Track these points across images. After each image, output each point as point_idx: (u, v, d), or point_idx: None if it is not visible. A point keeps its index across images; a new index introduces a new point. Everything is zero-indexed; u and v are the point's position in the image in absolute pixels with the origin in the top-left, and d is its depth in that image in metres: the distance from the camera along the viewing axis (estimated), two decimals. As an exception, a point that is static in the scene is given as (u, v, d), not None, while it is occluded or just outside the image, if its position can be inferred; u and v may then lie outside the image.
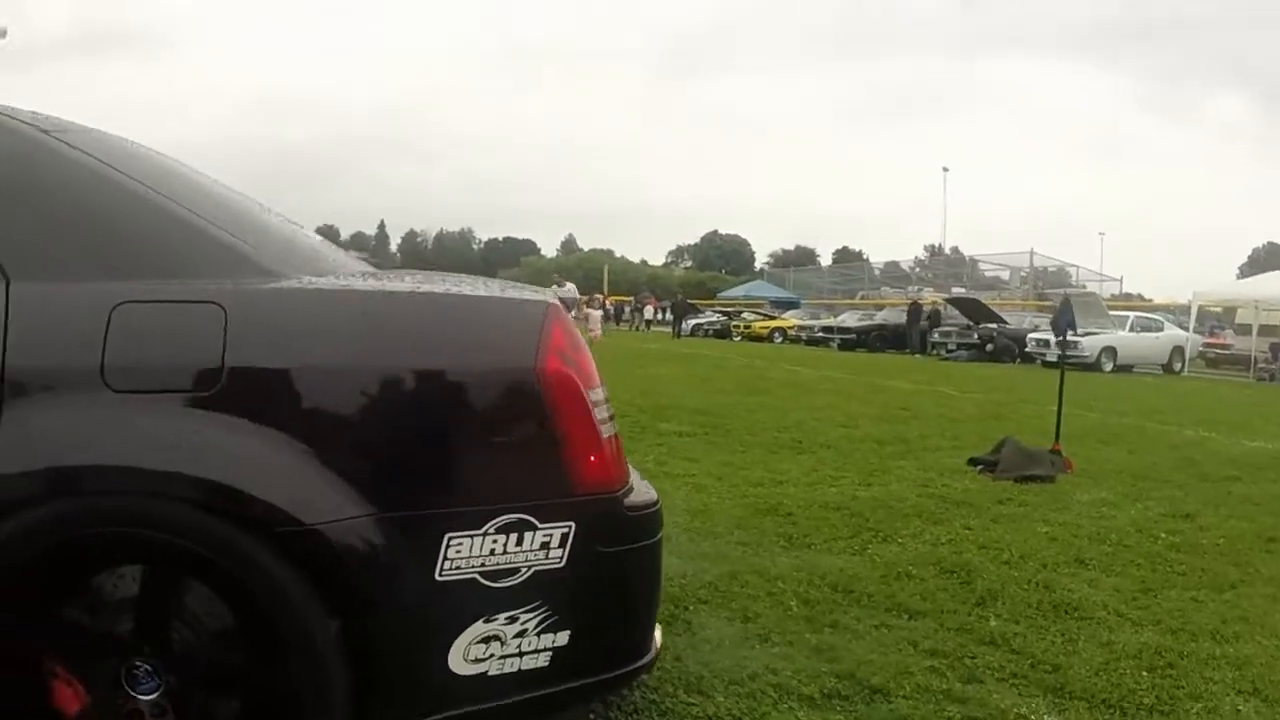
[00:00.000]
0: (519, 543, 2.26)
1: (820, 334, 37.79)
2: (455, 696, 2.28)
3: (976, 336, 31.14)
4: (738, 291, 71.96)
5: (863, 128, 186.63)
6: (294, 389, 2.21)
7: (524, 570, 2.27)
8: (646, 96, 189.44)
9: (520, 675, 2.31)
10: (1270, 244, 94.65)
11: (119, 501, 2.13)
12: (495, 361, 2.36)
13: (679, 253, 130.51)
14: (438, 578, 2.20)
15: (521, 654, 2.30)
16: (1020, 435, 8.82)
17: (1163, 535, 5.91)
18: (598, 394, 2.43)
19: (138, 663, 2.18)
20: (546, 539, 2.29)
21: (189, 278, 2.27)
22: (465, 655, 2.25)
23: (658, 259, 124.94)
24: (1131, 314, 30.86)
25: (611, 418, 2.49)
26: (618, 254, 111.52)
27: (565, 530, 2.31)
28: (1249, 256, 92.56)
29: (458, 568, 2.21)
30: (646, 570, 2.57)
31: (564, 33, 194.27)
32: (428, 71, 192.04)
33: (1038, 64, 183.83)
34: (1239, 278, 52.95)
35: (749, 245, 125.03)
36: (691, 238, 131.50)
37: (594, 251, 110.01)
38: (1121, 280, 54.29)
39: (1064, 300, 11.08)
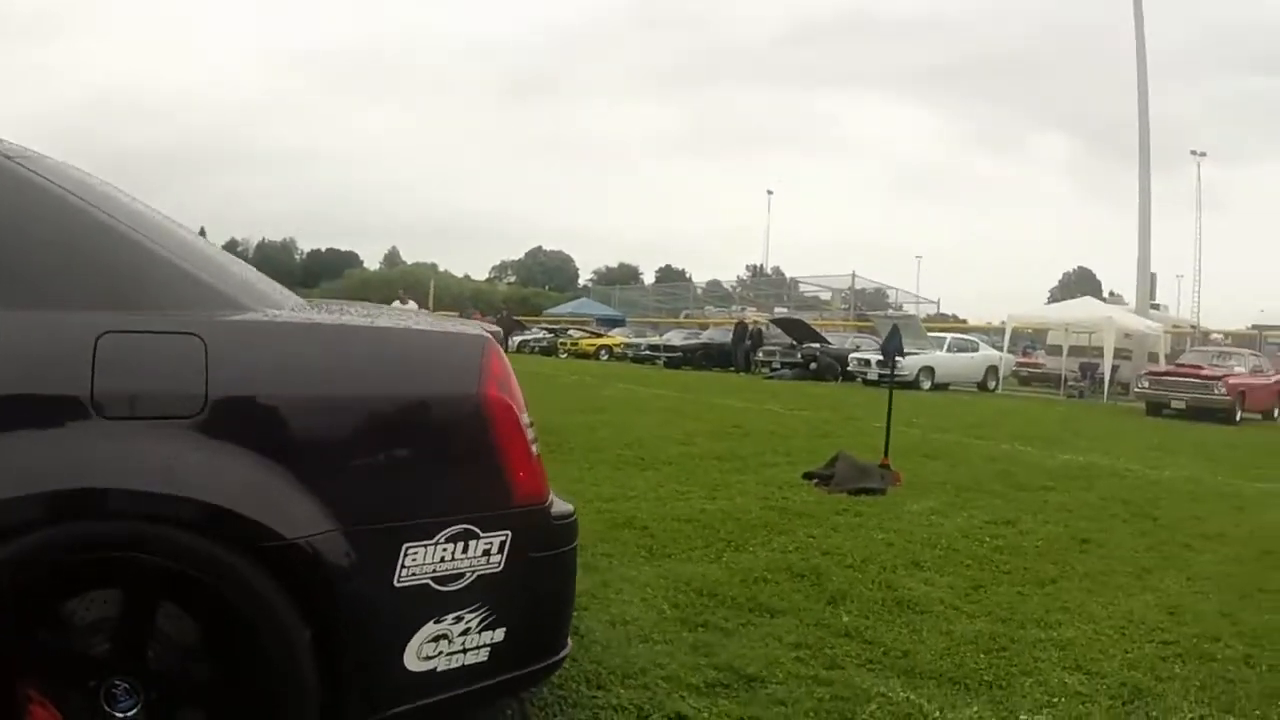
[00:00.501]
0: (465, 550, 2.52)
1: (647, 352, 37.98)
2: (409, 692, 2.50)
3: (800, 355, 31.62)
4: (564, 309, 71.76)
5: (686, 151, 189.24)
6: (270, 414, 2.39)
7: (469, 575, 2.53)
8: (472, 114, 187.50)
9: (464, 670, 2.56)
10: (1080, 268, 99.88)
11: (115, 525, 2.21)
12: (444, 388, 2.63)
13: (503, 268, 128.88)
14: (396, 584, 2.43)
15: (465, 650, 2.55)
16: (850, 450, 9.32)
17: (988, 539, 6.52)
18: (526, 417, 2.71)
19: (117, 681, 2.26)
20: (488, 546, 2.56)
21: (165, 309, 2.37)
22: (418, 654, 2.48)
23: (481, 274, 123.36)
24: (948, 335, 32.02)
25: (536, 439, 2.77)
26: (441, 268, 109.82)
27: (503, 538, 2.58)
28: (1060, 280, 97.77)
29: (413, 575, 2.45)
30: (567, 573, 2.87)
31: (391, 48, 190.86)
32: (249, 82, 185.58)
33: (861, 98, 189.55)
34: (1049, 300, 55.60)
35: (573, 262, 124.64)
36: (516, 253, 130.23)
37: (417, 265, 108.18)
38: (939, 302, 56.69)
39: (893, 327, 11.78)
